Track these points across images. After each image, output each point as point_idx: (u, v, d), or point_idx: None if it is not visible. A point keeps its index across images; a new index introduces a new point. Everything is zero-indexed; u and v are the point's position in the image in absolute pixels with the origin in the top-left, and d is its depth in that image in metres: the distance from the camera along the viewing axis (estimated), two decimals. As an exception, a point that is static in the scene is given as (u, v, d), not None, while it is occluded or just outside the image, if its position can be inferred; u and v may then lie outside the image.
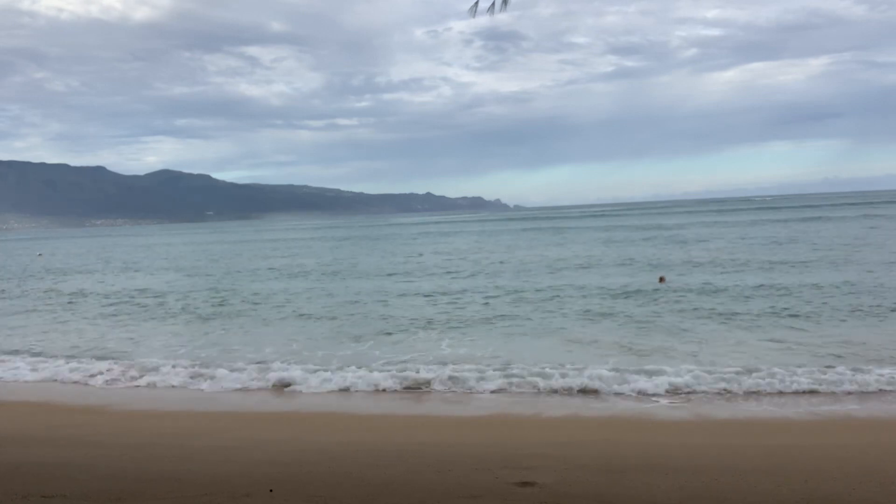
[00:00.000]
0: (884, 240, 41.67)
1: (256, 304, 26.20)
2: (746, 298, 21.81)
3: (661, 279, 26.33)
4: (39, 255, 77.95)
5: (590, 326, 18.68)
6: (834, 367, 13.04)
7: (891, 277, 24.70)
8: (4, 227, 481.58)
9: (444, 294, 26.20)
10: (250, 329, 20.69)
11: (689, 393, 12.09)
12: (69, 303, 29.35)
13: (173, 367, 15.33)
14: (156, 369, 15.22)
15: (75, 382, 14.78)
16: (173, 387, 14.18)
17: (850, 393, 11.71)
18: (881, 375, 12.30)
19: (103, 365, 15.83)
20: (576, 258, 39.79)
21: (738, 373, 12.90)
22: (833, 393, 11.76)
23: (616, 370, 13.39)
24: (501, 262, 39.41)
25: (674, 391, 12.17)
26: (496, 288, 27.21)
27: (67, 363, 16.29)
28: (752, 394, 11.90)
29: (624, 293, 24.11)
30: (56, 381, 14.99)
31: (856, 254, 33.48)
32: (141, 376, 14.85)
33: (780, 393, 11.88)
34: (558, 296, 24.41)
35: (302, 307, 24.65)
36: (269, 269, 43.09)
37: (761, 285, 24.31)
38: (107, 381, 14.76)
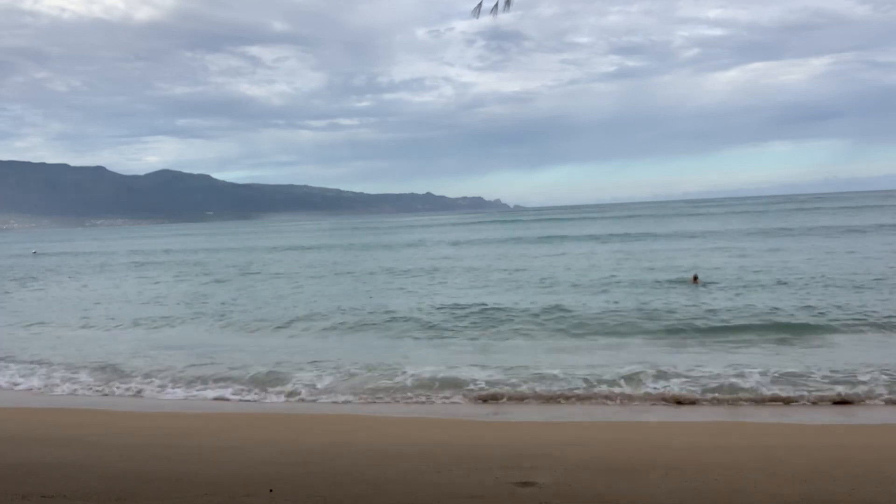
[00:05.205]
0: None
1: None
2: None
3: (695, 278, 26.28)
4: (34, 252, 79.62)
5: (620, 327, 18.74)
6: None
7: None
8: (5, 227, 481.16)
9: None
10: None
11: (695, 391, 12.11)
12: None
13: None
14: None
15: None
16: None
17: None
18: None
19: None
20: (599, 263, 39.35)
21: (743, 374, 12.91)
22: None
23: (635, 370, 13.42)
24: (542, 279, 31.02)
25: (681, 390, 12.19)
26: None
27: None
28: (753, 394, 11.91)
29: (657, 291, 24.16)
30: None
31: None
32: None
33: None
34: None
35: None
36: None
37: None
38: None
